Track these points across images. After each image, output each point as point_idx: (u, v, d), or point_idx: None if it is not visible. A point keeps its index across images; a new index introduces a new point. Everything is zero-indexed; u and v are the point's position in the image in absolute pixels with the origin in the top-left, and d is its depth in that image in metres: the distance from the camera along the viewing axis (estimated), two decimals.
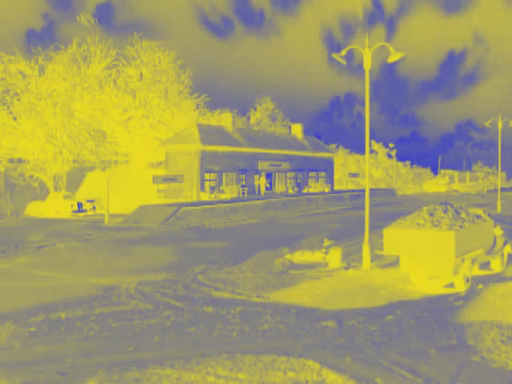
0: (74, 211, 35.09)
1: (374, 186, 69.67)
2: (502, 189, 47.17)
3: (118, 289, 13.14)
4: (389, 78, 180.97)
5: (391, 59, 16.26)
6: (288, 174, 52.22)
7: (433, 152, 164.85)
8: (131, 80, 48.89)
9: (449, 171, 78.38)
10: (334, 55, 16.50)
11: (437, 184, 71.43)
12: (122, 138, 46.29)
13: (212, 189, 42.32)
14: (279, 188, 50.61)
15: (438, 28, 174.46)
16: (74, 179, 42.53)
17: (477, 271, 14.50)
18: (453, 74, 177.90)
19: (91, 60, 46.66)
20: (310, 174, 55.52)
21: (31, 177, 39.71)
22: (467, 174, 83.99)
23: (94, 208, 36.43)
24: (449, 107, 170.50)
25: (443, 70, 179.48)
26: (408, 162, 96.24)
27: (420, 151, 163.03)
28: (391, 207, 41.88)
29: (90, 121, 44.33)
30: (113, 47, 47.70)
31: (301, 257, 17.43)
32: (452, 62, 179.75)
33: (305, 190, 52.37)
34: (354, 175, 63.02)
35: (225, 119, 48.09)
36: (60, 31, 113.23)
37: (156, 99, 48.55)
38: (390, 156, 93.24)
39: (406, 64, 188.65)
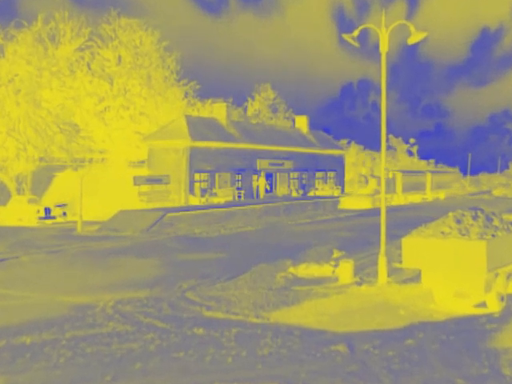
0: (41, 218, 35.12)
1: None
2: None
3: (93, 308, 13.19)
4: (410, 61, 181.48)
5: (412, 40, 16.36)
6: (291, 175, 52.32)
7: (461, 148, 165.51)
8: (108, 64, 49.00)
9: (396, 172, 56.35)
10: (345, 36, 16.61)
11: (355, 198, 49.76)
12: (97, 132, 46.37)
13: (203, 191, 42.40)
14: (281, 190, 50.70)
15: (469, 2, 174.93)
16: (41, 180, 42.59)
17: None
18: (486, 55, 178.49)
19: (60, 40, 46.76)
20: (317, 175, 55.63)
21: None
22: (428, 178, 62.17)
23: (64, 214, 36.46)
24: (481, 95, 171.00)
25: (475, 51, 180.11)
26: (432, 161, 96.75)
27: (446, 147, 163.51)
28: (412, 212, 41.98)
29: (60, 111, 44.41)
30: (86, 25, 47.87)
31: (306, 270, 17.51)
32: (485, 41, 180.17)
33: (311, 193, 52.50)
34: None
35: (218, 110, 48.22)
36: (22, 5, 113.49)
37: (137, 87, 48.67)
38: (410, 153, 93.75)
39: (429, 45, 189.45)
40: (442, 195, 64.52)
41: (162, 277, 17.53)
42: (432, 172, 65.85)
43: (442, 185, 66.41)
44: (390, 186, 53.14)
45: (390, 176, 54.28)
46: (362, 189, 53.27)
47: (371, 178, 54.18)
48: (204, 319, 12.29)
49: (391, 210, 41.79)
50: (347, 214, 42.60)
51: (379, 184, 51.26)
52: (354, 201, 48.33)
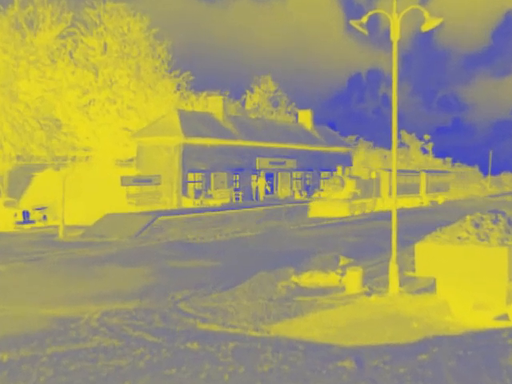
0: (19, 222, 35.14)
1: None
2: None
3: (76, 321, 13.23)
4: (424, 50, 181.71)
5: (426, 27, 16.43)
6: (294, 175, 52.40)
7: (482, 145, 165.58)
8: (92, 53, 49.08)
9: (368, 171, 51.92)
10: (353, 22, 16.68)
11: (328, 204, 44.79)
12: (81, 128, 46.44)
13: (197, 193, 42.45)
14: (283, 192, 50.79)
15: None
16: (19, 181, 42.63)
17: None
18: (510, 42, 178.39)
19: (39, 26, 46.75)
20: (323, 175, 55.72)
21: None
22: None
23: (44, 218, 36.50)
24: (503, 86, 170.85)
25: (496, 38, 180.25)
26: (449, 159, 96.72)
27: (465, 144, 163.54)
28: (426, 216, 42.06)
29: (39, 105, 44.49)
30: (67, 9, 47.87)
31: (310, 279, 17.58)
32: (509, 27, 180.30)
33: (316, 195, 52.46)
34: None
35: (213, 104, 48.31)
36: None
37: (125, 78, 48.75)
38: (425, 151, 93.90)
39: (446, 32, 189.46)
40: (440, 199, 61.33)
41: (152, 286, 17.58)
42: (428, 172, 61.74)
43: (440, 186, 62.77)
44: (373, 188, 48.91)
45: (373, 176, 49.70)
46: (337, 192, 45.81)
47: (348, 180, 47.14)
48: (198, 332, 12.34)
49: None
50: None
51: (359, 186, 47.11)
52: (327, 207, 44.06)
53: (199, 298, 15.75)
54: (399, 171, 57.65)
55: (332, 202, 44.66)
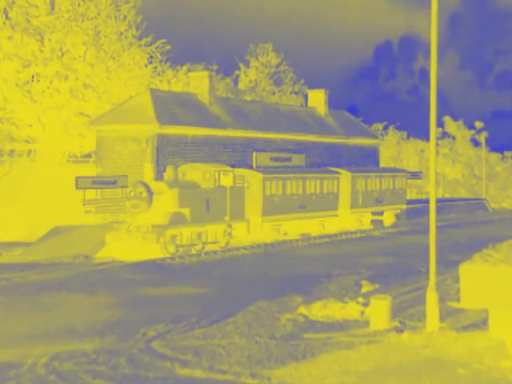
0: None
1: (447, 195, 70.25)
2: None
3: (17, 367, 13.22)
4: (477, 10, 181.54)
5: None
6: None
7: None
8: (35, 12, 48.92)
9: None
10: None
11: (126, 237, 32.42)
12: (21, 113, 46.36)
13: None
14: None
15: None
16: None
17: None
18: None
19: None
20: None
21: None
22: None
23: None
24: None
25: None
26: (509, 154, 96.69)
27: None
28: (476, 229, 42.18)
29: None
30: None
31: (323, 311, 17.70)
32: None
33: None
34: (414, 175, 63.33)
35: (197, 82, 48.33)
36: None
37: (80, 47, 48.66)
38: (476, 143, 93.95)
39: None
40: (388, 218, 50.81)
41: (116, 321, 17.65)
42: (355, 172, 49.63)
43: (387, 197, 51.09)
44: (227, 205, 36.23)
45: (226, 183, 36.83)
46: (142, 214, 33.49)
47: (166, 189, 34.54)
48: (178, 380, 12.41)
49: None
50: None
51: (189, 201, 34.50)
52: (126, 243, 32.73)
53: (178, 334, 15.81)
54: (277, 169, 44.48)
55: (135, 235, 32.60)
